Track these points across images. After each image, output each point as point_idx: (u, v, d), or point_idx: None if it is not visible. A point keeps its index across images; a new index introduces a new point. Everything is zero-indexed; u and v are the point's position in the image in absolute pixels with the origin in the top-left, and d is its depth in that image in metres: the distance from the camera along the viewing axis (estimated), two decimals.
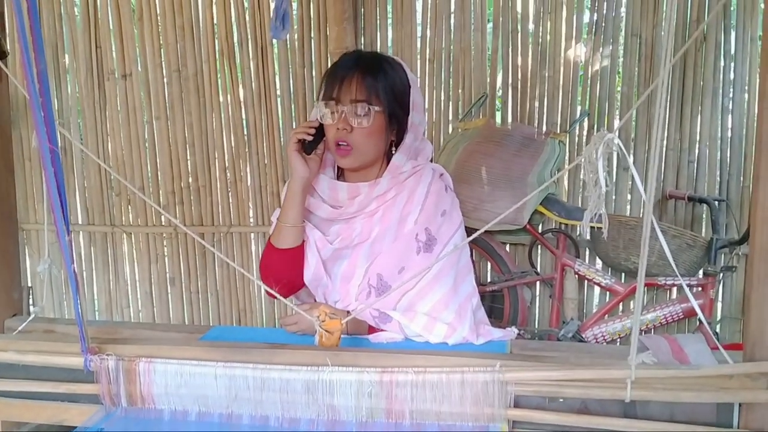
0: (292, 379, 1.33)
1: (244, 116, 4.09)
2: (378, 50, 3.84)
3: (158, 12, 4.03)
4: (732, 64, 3.53)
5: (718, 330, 3.57)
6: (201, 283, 4.32)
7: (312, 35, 3.92)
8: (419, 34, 3.92)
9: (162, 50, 4.08)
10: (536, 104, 3.81)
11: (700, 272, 3.36)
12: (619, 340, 3.37)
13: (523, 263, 3.79)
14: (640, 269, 1.15)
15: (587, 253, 3.78)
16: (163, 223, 4.29)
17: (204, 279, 4.31)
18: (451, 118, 3.92)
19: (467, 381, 1.27)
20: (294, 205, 1.79)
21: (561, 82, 3.77)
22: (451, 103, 3.92)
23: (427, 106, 3.87)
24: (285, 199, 1.81)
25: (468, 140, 3.60)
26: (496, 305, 3.67)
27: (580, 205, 3.71)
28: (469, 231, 1.85)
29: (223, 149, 4.15)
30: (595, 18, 3.69)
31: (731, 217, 3.53)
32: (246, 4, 3.95)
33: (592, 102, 3.76)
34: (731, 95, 3.55)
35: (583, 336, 3.36)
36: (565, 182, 3.81)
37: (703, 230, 3.63)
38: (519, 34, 3.78)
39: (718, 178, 3.62)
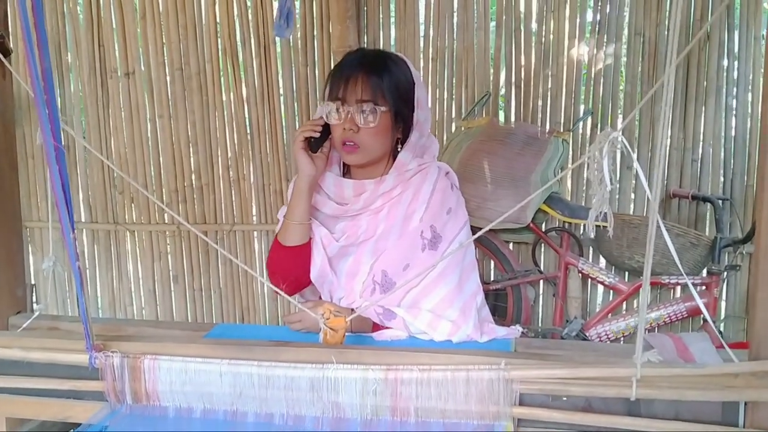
0: (297, 376, 1.32)
1: (246, 115, 4.09)
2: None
3: (161, 10, 4.04)
4: (736, 63, 3.53)
5: (721, 329, 3.57)
6: (204, 280, 4.32)
7: (315, 34, 3.92)
8: (422, 32, 3.92)
9: (165, 48, 4.09)
10: (539, 103, 3.81)
11: (704, 271, 3.36)
12: (622, 338, 3.37)
13: (526, 262, 3.79)
14: (645, 267, 1.15)
15: (591, 251, 3.78)
16: (166, 221, 4.30)
17: (207, 277, 4.32)
18: (454, 116, 3.92)
19: (472, 379, 1.27)
20: (301, 202, 1.79)
21: (564, 81, 3.77)
22: (454, 101, 3.92)
23: (430, 104, 3.86)
24: (292, 196, 1.82)
25: (471, 139, 3.60)
26: (499, 304, 3.67)
27: (583, 204, 3.71)
28: (472, 230, 1.85)
29: (226, 147, 4.15)
30: (598, 17, 3.68)
31: (735, 216, 3.53)
32: (249, 3, 3.95)
33: (596, 101, 3.76)
34: (735, 94, 3.55)
35: (587, 335, 3.36)
36: (569, 181, 3.81)
37: (707, 229, 3.62)
38: (522, 33, 3.78)
39: (722, 177, 3.63)
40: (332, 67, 3.83)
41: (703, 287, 3.28)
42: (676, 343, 1.52)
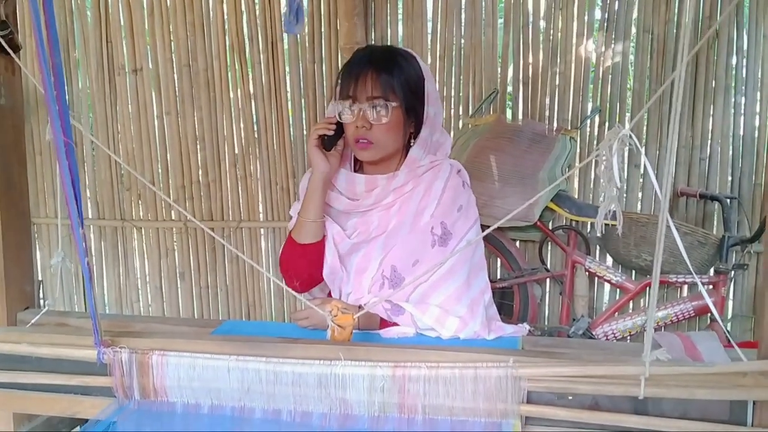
0: (304, 373, 1.33)
1: (254, 111, 4.09)
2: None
3: (169, 7, 4.04)
4: (744, 62, 3.52)
5: (729, 328, 3.56)
6: (211, 277, 4.33)
7: (322, 30, 3.92)
8: (430, 29, 3.91)
9: (172, 45, 4.09)
10: (547, 100, 3.80)
11: (711, 270, 3.35)
12: (629, 337, 3.36)
13: (533, 260, 3.78)
14: (655, 266, 1.14)
15: (598, 250, 3.77)
16: (173, 218, 4.31)
17: (214, 274, 4.32)
18: (461, 114, 3.91)
19: (480, 376, 1.27)
20: (315, 200, 1.80)
21: (572, 79, 3.76)
22: (461, 99, 3.91)
23: None
24: (306, 194, 1.82)
25: (479, 136, 3.60)
26: (506, 302, 3.67)
27: (591, 202, 3.70)
28: (480, 228, 1.85)
29: (233, 144, 4.15)
30: (606, 14, 3.67)
31: (743, 215, 3.52)
32: (256, 0, 3.95)
33: (604, 98, 3.75)
34: (744, 93, 3.54)
35: (593, 333, 3.35)
36: (576, 179, 3.80)
37: (715, 228, 3.61)
38: (530, 30, 3.78)
39: (730, 176, 3.62)
40: (339, 64, 3.86)
41: (711, 286, 3.27)
42: (684, 342, 1.52)
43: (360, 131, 1.75)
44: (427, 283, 1.74)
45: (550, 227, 3.64)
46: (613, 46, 3.69)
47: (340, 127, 1.79)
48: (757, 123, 3.54)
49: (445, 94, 3.90)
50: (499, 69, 3.85)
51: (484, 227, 1.65)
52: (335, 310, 1.49)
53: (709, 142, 3.62)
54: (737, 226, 3.45)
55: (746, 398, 1.24)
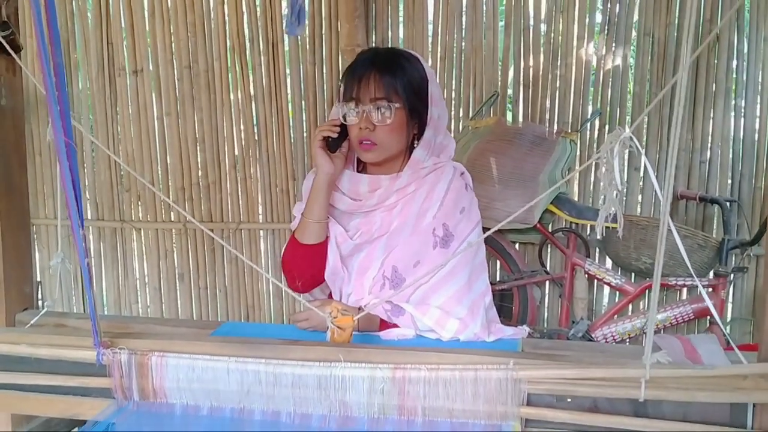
0: (304, 374, 1.32)
1: (254, 113, 4.09)
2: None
3: (169, 8, 4.04)
4: (745, 65, 3.52)
5: (728, 331, 3.56)
6: (210, 279, 4.33)
7: (323, 32, 3.92)
8: (431, 32, 3.91)
9: (173, 46, 4.09)
10: (548, 103, 3.80)
11: (711, 273, 3.35)
12: (628, 340, 3.36)
13: (533, 262, 3.78)
14: (656, 268, 1.14)
15: (597, 252, 3.77)
16: (173, 219, 4.30)
17: (213, 275, 4.32)
18: (462, 116, 3.92)
19: (480, 378, 1.27)
20: (319, 201, 1.80)
21: (573, 81, 3.77)
22: (462, 101, 3.91)
23: None
24: (310, 194, 1.82)
25: (479, 138, 3.60)
26: (505, 304, 3.67)
27: (590, 205, 3.70)
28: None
29: (233, 146, 4.15)
30: (607, 17, 3.67)
31: (743, 218, 3.52)
32: (257, 1, 3.95)
33: (604, 101, 3.75)
34: (744, 96, 3.54)
35: (593, 336, 3.35)
36: (576, 181, 3.80)
37: (715, 231, 3.61)
38: (531, 33, 3.78)
39: (730, 179, 3.62)
40: (340, 66, 3.87)
41: (710, 289, 3.27)
42: (684, 345, 1.52)
43: (364, 132, 1.75)
44: (427, 284, 1.74)
45: (550, 230, 3.64)
46: (613, 49, 3.69)
47: (344, 129, 1.79)
48: (757, 126, 3.54)
49: (445, 96, 3.90)
50: (499, 71, 3.85)
51: (484, 229, 1.65)
52: (335, 311, 1.49)
53: (710, 145, 3.62)
54: (737, 229, 3.45)
55: (746, 401, 1.23)
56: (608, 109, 3.74)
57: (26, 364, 1.53)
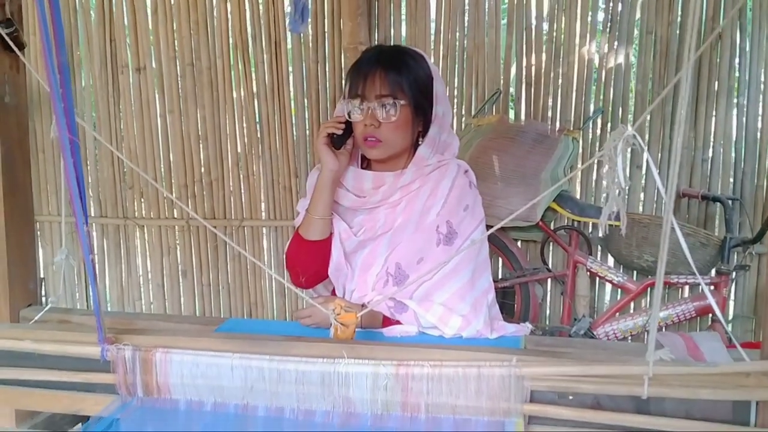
0: (308, 371, 1.33)
1: (257, 111, 4.09)
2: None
3: (173, 6, 4.04)
4: (747, 63, 3.51)
5: (730, 329, 3.56)
6: (213, 276, 4.33)
7: (326, 30, 3.93)
8: (433, 30, 3.91)
9: (176, 44, 4.09)
10: (550, 101, 3.80)
11: (713, 271, 3.35)
12: (630, 337, 3.36)
13: (535, 260, 3.78)
14: (659, 266, 1.14)
15: (599, 250, 3.78)
16: (176, 216, 4.31)
17: (216, 272, 4.33)
18: (464, 114, 3.92)
19: (483, 375, 1.27)
20: (323, 198, 1.81)
21: (575, 79, 3.77)
22: (464, 99, 3.92)
23: None
24: (314, 191, 1.83)
25: (481, 136, 3.60)
26: (507, 302, 3.67)
27: (593, 203, 3.70)
28: None
29: (236, 143, 4.16)
30: (609, 16, 3.67)
31: (745, 216, 3.52)
32: None
33: (606, 100, 3.75)
34: (746, 94, 3.53)
35: (595, 333, 3.35)
36: (578, 179, 3.80)
37: (717, 229, 3.61)
38: (533, 31, 3.78)
39: (732, 177, 3.62)
40: (343, 63, 3.87)
41: (712, 287, 3.27)
42: (686, 342, 1.52)
43: (369, 129, 1.76)
44: (431, 281, 1.74)
45: (552, 227, 3.64)
46: (616, 47, 3.69)
47: (349, 126, 1.80)
48: (759, 124, 3.54)
49: (448, 94, 3.89)
50: (502, 69, 3.85)
51: (487, 227, 1.65)
52: (338, 308, 1.50)
53: (712, 143, 3.62)
54: (739, 228, 3.45)
55: (749, 398, 1.24)
56: (610, 107, 3.74)
57: (30, 360, 1.53)
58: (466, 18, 3.84)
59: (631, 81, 3.77)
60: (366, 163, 1.92)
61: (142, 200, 4.37)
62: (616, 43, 3.69)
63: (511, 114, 3.93)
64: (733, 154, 3.61)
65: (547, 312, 3.91)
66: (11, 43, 1.59)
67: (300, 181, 4.09)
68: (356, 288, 1.84)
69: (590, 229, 3.67)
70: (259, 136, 4.11)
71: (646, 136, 3.68)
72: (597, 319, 3.45)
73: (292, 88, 4.05)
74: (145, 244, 4.42)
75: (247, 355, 1.37)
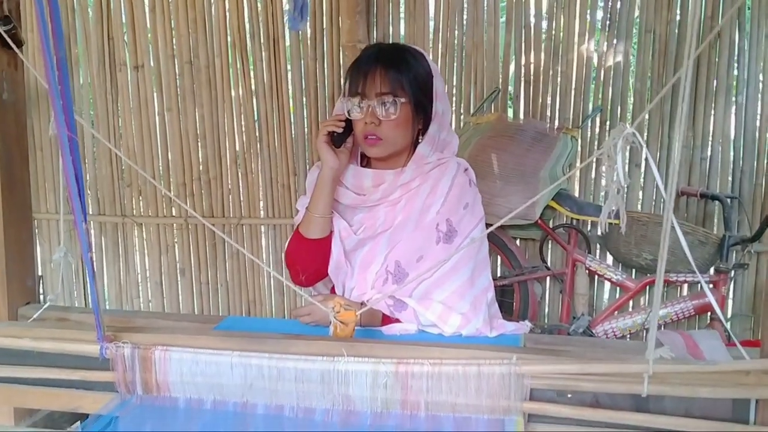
0: (307, 369, 1.33)
1: (255, 109, 4.09)
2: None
3: (171, 3, 4.04)
4: (746, 62, 3.51)
5: (728, 327, 3.57)
6: (211, 274, 4.33)
7: (324, 28, 3.92)
8: (432, 28, 3.91)
9: (174, 42, 4.09)
10: (549, 99, 3.80)
11: (712, 269, 3.35)
12: (629, 335, 3.37)
13: (534, 258, 3.78)
14: (659, 264, 1.14)
15: (598, 248, 3.78)
16: (174, 214, 4.31)
17: (214, 270, 4.32)
18: (463, 112, 3.91)
19: (483, 373, 1.27)
20: (323, 195, 1.81)
21: (574, 78, 3.76)
22: (463, 97, 3.91)
23: None
24: (315, 189, 1.83)
25: (480, 135, 3.60)
26: (506, 300, 3.67)
27: (591, 201, 3.70)
28: None
29: (234, 141, 4.15)
30: (608, 14, 3.67)
31: (743, 215, 3.52)
32: None
33: (605, 98, 3.75)
34: (745, 93, 3.53)
35: (594, 331, 3.35)
36: (577, 177, 3.80)
37: (715, 227, 3.61)
38: (532, 29, 3.78)
39: (731, 176, 3.62)
40: (341, 61, 3.86)
41: (711, 285, 3.27)
42: (686, 341, 1.52)
43: (369, 127, 1.75)
44: (430, 279, 1.74)
45: (551, 226, 3.65)
46: (614, 45, 3.69)
47: (349, 125, 1.79)
48: (758, 123, 3.54)
49: (446, 92, 3.89)
50: (500, 68, 3.85)
51: (487, 225, 1.65)
52: (338, 306, 1.49)
53: (710, 142, 3.62)
54: (738, 226, 3.46)
55: (749, 396, 1.24)
56: (609, 105, 3.74)
57: (29, 358, 1.53)
58: (465, 16, 3.84)
59: (630, 79, 3.77)
60: (366, 161, 1.92)
61: (141, 198, 4.36)
62: (614, 41, 3.68)
63: (510, 112, 3.93)
64: (731, 153, 3.61)
65: (546, 310, 3.90)
66: (9, 41, 1.58)
67: (299, 179, 4.08)
68: (356, 286, 1.83)
69: (589, 228, 3.67)
70: (257, 134, 4.11)
71: (645, 135, 3.68)
72: (596, 317, 3.45)
73: (290, 86, 4.05)
74: (143, 242, 4.42)
75: (247, 353, 1.36)
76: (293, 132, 4.06)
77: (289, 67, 4.03)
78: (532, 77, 3.80)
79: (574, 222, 3.58)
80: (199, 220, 4.10)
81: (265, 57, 4.00)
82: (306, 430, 1.34)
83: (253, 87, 4.06)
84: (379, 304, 1.72)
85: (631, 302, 3.55)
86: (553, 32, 3.76)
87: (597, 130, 3.77)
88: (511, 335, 1.72)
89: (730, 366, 1.23)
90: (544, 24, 3.78)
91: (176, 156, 4.21)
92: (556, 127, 3.68)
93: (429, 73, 1.81)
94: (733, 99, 3.57)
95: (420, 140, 1.83)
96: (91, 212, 4.37)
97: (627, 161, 3.71)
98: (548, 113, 3.80)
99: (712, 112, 3.60)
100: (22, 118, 1.93)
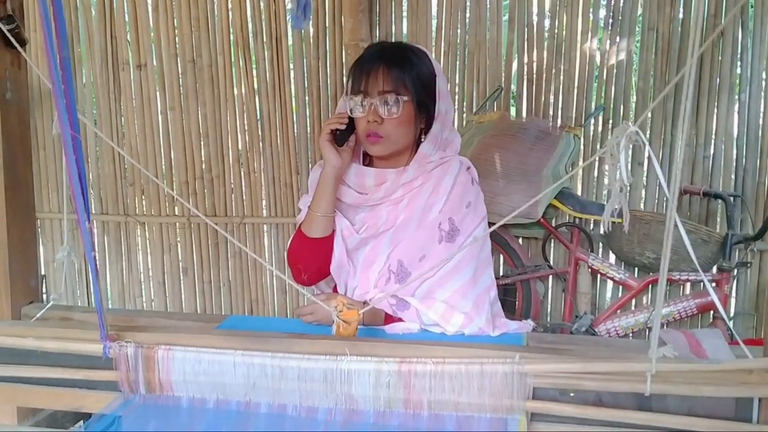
0: (310, 368, 1.33)
1: (258, 107, 4.09)
2: None
3: (173, 3, 4.04)
4: (749, 60, 3.51)
5: (731, 326, 3.56)
6: (213, 273, 4.33)
7: (327, 27, 3.92)
8: (434, 26, 3.91)
9: (177, 41, 4.09)
10: (551, 98, 3.80)
11: (715, 268, 3.35)
12: (632, 334, 3.36)
13: (536, 257, 3.78)
14: (662, 262, 1.14)
15: (601, 247, 3.77)
16: (177, 213, 4.31)
17: (216, 269, 4.32)
18: (465, 111, 3.91)
19: (486, 372, 1.27)
20: (326, 194, 1.80)
21: (576, 76, 3.76)
22: (465, 95, 3.91)
23: None
24: (317, 188, 1.82)
25: (483, 133, 3.59)
26: (508, 299, 3.67)
27: (594, 199, 3.70)
28: None
29: (237, 140, 4.15)
30: (611, 12, 3.67)
31: (746, 213, 3.52)
32: None
33: (608, 96, 3.74)
34: (748, 91, 3.53)
35: (596, 330, 3.35)
36: (579, 176, 3.80)
37: (718, 226, 3.61)
38: (534, 28, 3.77)
39: (734, 174, 3.61)
40: (344, 60, 3.86)
41: (714, 284, 3.27)
42: (688, 339, 1.52)
43: (371, 126, 1.75)
44: (433, 278, 1.74)
45: (554, 224, 3.64)
46: (617, 44, 3.68)
47: (351, 123, 1.79)
48: (761, 122, 3.54)
49: (449, 90, 3.89)
50: (503, 66, 3.85)
51: (489, 224, 1.64)
52: (340, 305, 1.50)
53: (713, 140, 3.62)
54: (740, 224, 3.45)
55: (752, 395, 1.24)
56: (612, 104, 3.74)
57: (32, 357, 1.53)
58: (468, 14, 3.84)
59: (633, 77, 3.77)
60: (368, 160, 1.92)
61: (143, 197, 4.36)
62: (617, 39, 3.68)
63: (513, 111, 3.93)
64: (734, 151, 3.60)
65: (549, 309, 3.90)
66: (13, 40, 1.59)
67: (301, 178, 4.08)
68: (358, 285, 1.83)
69: (592, 226, 3.66)
70: (260, 133, 4.11)
71: (648, 133, 3.68)
72: (598, 316, 3.45)
73: (293, 85, 4.04)
74: (146, 241, 4.42)
75: (250, 353, 1.37)
76: (296, 131, 4.06)
77: (291, 65, 4.03)
78: (534, 76, 3.80)
79: (577, 221, 3.58)
80: (201, 219, 4.10)
81: (267, 56, 4.00)
82: (309, 429, 1.34)
83: (255, 86, 4.06)
84: (382, 304, 1.72)
85: (633, 301, 3.55)
86: (556, 30, 3.75)
87: (600, 128, 3.77)
88: (514, 334, 1.72)
89: (733, 365, 1.23)
90: (547, 22, 3.77)
91: (179, 155, 4.22)
92: (558, 126, 3.68)
93: (432, 72, 1.80)
94: (736, 97, 3.56)
95: (422, 139, 1.83)
96: (94, 211, 4.37)
97: (630, 160, 3.68)
98: (551, 112, 3.80)
99: (715, 110, 3.60)
100: (26, 117, 1.93)
